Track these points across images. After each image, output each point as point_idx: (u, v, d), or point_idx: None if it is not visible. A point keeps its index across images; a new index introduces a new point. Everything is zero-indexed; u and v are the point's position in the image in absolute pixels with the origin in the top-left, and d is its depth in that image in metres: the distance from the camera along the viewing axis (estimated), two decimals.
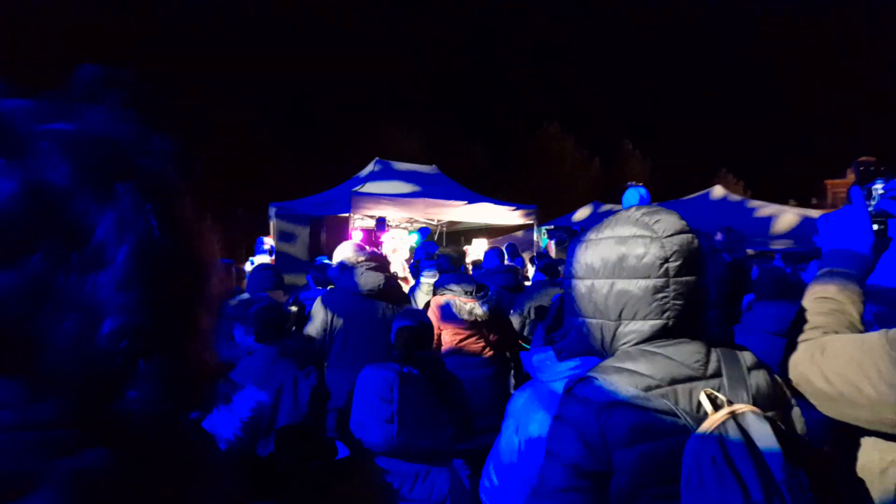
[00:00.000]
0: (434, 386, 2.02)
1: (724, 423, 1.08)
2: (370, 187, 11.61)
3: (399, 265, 9.55)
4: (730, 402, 1.13)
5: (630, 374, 1.18)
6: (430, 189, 12.41)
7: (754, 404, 1.15)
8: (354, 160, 19.48)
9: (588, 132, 52.09)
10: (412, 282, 7.21)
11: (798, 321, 1.40)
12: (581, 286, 1.31)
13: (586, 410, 1.16)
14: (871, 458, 1.25)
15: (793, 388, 1.32)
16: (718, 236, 8.56)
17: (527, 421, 2.02)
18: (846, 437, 1.29)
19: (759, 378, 1.23)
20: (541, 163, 47.73)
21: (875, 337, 1.22)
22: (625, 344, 1.25)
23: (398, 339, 2.85)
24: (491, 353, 4.07)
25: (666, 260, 1.22)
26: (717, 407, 1.12)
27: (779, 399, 1.23)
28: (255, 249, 8.62)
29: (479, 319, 3.96)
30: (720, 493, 1.01)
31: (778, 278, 3.66)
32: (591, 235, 1.34)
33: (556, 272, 5.56)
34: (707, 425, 1.09)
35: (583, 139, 51.27)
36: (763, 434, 1.07)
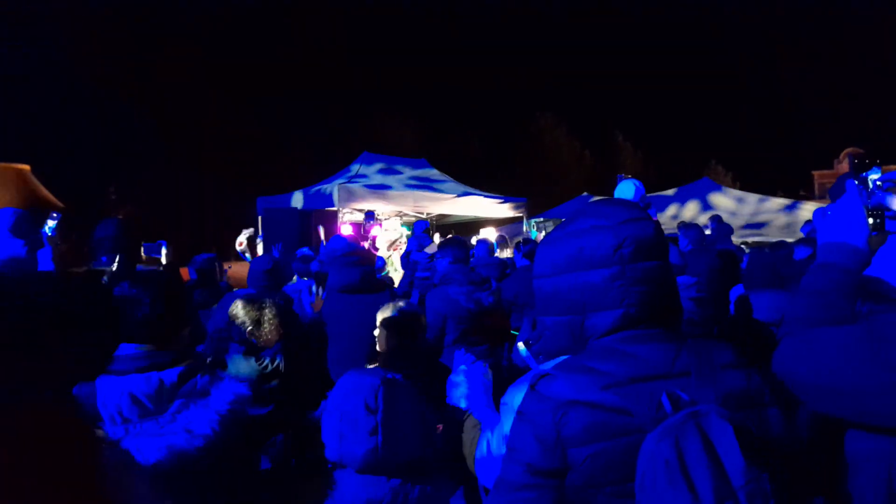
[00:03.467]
0: (423, 386, 1.97)
1: (682, 424, 1.06)
2: (358, 181, 11.53)
3: (396, 258, 9.48)
4: (693, 402, 1.11)
5: (591, 372, 1.18)
6: (420, 182, 12.35)
7: (723, 404, 1.12)
8: (343, 153, 19.35)
9: (580, 123, 51.90)
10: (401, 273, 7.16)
11: (789, 316, 1.38)
12: (547, 284, 1.32)
13: (543, 408, 1.18)
14: (860, 445, 1.23)
15: (779, 384, 1.28)
16: (709, 226, 8.59)
17: None
18: (835, 425, 1.27)
19: (732, 377, 1.19)
20: (532, 154, 47.67)
21: (859, 327, 1.21)
22: (592, 337, 1.26)
23: (382, 336, 2.78)
24: (490, 343, 4.08)
25: (619, 246, 1.22)
26: (678, 407, 1.10)
27: (753, 399, 1.19)
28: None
29: (485, 310, 3.96)
30: (670, 496, 1.01)
31: (767, 266, 3.63)
32: (555, 233, 1.36)
33: None
34: (664, 426, 1.07)
35: (574, 130, 51.25)
36: (724, 437, 1.04)
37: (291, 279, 5.77)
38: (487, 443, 2.00)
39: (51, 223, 3.74)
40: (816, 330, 1.28)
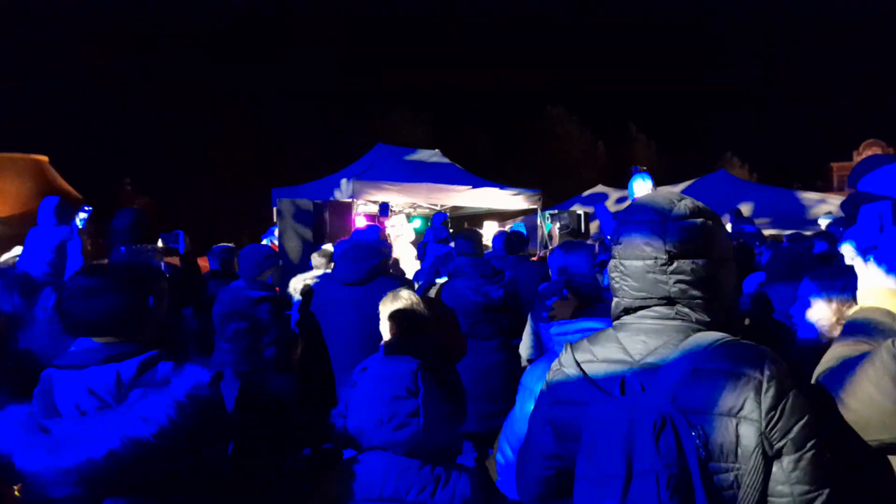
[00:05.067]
0: (440, 375, 1.97)
1: (616, 406, 1.22)
2: (373, 173, 11.54)
3: (405, 251, 9.48)
4: (641, 391, 1.23)
5: (585, 348, 1.39)
6: (434, 174, 12.34)
7: (675, 400, 1.19)
8: (357, 145, 19.38)
9: (593, 116, 51.55)
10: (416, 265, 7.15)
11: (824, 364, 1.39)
12: None
13: (549, 372, 1.45)
14: None
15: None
16: (727, 220, 8.51)
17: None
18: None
19: (704, 379, 1.19)
20: (546, 146, 47.41)
21: (883, 350, 1.20)
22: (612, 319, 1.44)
23: (386, 326, 2.77)
24: (503, 337, 4.02)
25: (615, 242, 1.38)
26: (625, 392, 1.26)
27: (719, 406, 1.17)
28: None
29: (494, 303, 3.91)
30: (580, 461, 1.25)
31: (794, 259, 3.61)
32: None
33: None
34: (603, 405, 1.25)
35: (588, 123, 50.93)
36: (645, 426, 1.16)
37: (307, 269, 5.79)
38: (502, 452, 2.04)
39: (82, 215, 3.74)
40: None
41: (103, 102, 32.51)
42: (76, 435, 1.51)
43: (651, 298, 1.32)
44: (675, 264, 1.29)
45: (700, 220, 1.33)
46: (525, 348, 3.54)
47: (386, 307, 2.94)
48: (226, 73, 39.35)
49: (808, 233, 9.32)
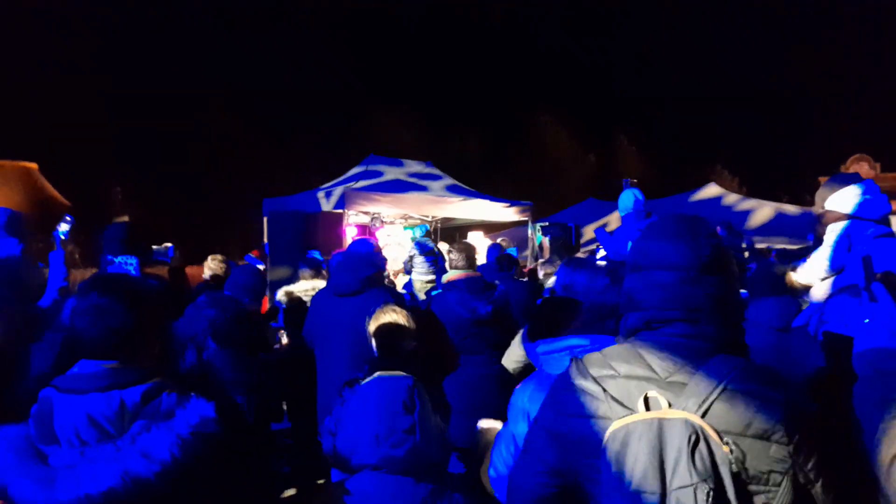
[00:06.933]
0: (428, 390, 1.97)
1: (643, 422, 1.20)
2: (364, 183, 11.55)
3: (397, 262, 9.48)
4: (667, 408, 1.22)
5: (601, 363, 1.36)
6: (425, 185, 12.35)
7: (706, 417, 1.18)
8: (348, 155, 19.38)
9: (584, 126, 51.76)
10: (406, 278, 7.16)
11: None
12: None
13: (556, 385, 1.44)
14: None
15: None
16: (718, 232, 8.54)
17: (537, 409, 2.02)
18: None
19: (734, 399, 1.20)
20: (536, 156, 47.56)
21: None
22: (624, 334, 1.41)
23: (376, 339, 2.75)
24: (492, 351, 4.00)
25: (642, 254, 1.39)
26: (650, 408, 1.23)
27: (744, 426, 1.18)
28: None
29: (482, 319, 3.89)
30: (606, 477, 1.21)
31: (776, 274, 3.65)
32: None
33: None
34: (628, 420, 1.22)
35: (579, 133, 51.12)
36: (676, 443, 1.15)
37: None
38: (494, 467, 2.03)
39: (64, 227, 3.69)
40: None
41: (94, 110, 32.39)
42: (75, 468, 1.44)
43: (677, 312, 1.32)
44: (704, 278, 1.33)
45: (719, 239, 1.40)
46: (508, 361, 3.50)
47: (375, 321, 2.92)
48: (216, 81, 39.33)
49: (794, 247, 9.41)
